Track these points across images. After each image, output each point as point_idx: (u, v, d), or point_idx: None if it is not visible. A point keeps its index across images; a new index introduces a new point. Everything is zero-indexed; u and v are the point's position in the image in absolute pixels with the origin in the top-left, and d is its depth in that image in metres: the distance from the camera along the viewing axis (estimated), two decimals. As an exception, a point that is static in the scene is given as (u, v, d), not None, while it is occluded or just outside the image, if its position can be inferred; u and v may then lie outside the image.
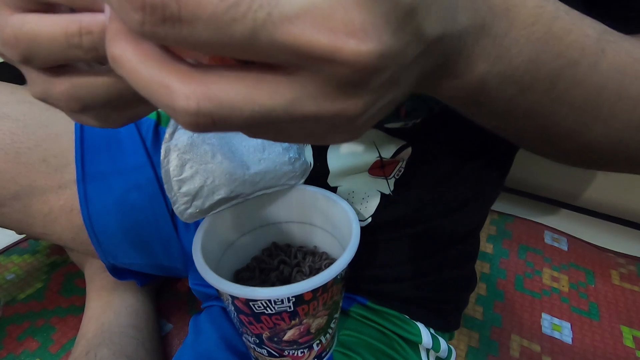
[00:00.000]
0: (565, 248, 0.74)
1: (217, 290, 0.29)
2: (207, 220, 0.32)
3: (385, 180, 0.35)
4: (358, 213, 0.37)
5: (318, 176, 0.36)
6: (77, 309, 0.58)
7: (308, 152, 0.36)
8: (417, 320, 0.42)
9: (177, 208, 0.29)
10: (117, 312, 0.49)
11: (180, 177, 0.27)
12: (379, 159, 0.34)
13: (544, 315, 0.63)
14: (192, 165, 0.28)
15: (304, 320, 0.29)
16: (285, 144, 0.34)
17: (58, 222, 0.43)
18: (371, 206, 0.36)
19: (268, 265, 0.36)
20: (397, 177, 0.35)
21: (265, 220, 0.38)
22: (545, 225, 0.78)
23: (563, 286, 0.67)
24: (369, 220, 0.37)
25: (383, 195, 0.36)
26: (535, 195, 0.80)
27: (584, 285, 0.68)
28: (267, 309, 0.27)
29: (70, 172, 0.42)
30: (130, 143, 0.47)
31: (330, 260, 0.35)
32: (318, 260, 0.36)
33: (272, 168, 0.32)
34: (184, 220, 0.30)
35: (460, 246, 0.43)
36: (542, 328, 0.61)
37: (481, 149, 0.36)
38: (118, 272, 0.48)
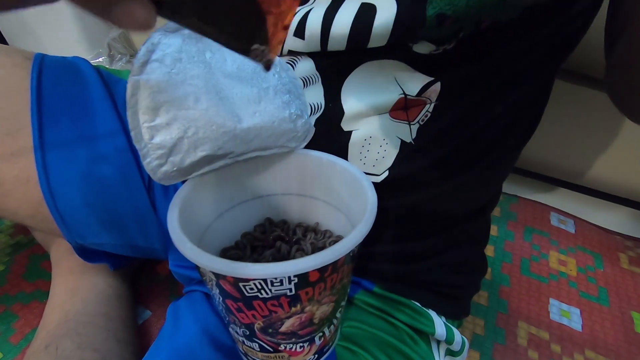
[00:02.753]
0: (572, 230, 0.71)
1: (198, 270, 0.23)
2: (188, 185, 0.26)
3: (407, 126, 0.30)
4: (373, 166, 0.32)
5: (330, 119, 0.31)
6: (43, 294, 0.52)
7: (319, 91, 0.31)
8: (428, 308, 0.37)
9: (149, 164, 0.22)
10: (86, 299, 0.43)
11: (152, 124, 0.21)
12: (402, 96, 0.29)
13: (552, 301, 0.59)
14: (168, 110, 0.21)
15: (307, 308, 0.23)
16: (286, 97, 0.28)
17: (12, 196, 0.38)
18: (389, 156, 0.31)
19: (261, 242, 0.30)
20: (421, 123, 0.30)
21: (258, 191, 0.32)
22: (551, 207, 0.74)
23: (571, 270, 0.64)
24: (385, 174, 0.32)
25: (403, 144, 0.31)
26: (539, 175, 0.76)
27: (592, 269, 0.64)
28: (262, 291, 0.21)
29: (26, 138, 0.37)
30: (100, 105, 0.42)
31: (336, 239, 0.30)
32: (321, 238, 0.30)
33: (269, 124, 0.26)
34: (156, 180, 0.24)
35: (474, 223, 0.39)
36: (550, 314, 0.58)
37: (513, 87, 0.31)
38: (87, 253, 0.43)
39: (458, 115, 0.30)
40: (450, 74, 0.28)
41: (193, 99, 0.22)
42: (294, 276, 0.20)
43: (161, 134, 0.21)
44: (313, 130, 0.31)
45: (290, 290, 0.21)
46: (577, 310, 0.58)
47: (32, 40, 0.88)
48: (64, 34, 0.91)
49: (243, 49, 0.16)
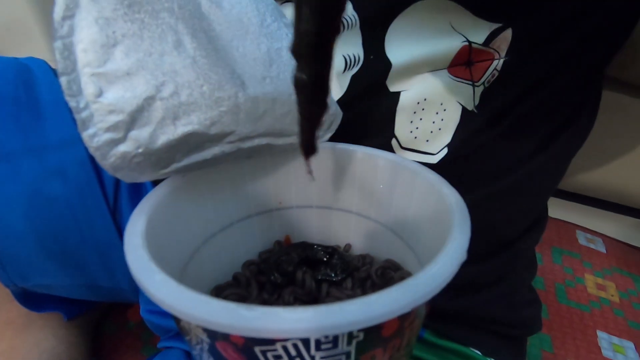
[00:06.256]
0: (603, 250, 0.64)
1: (178, 324, 0.14)
2: (162, 187, 0.17)
3: (471, 87, 0.24)
4: (427, 141, 0.25)
5: (372, 76, 0.25)
6: (-24, 356, 0.41)
7: (356, 38, 0.25)
8: (489, 356, 0.29)
9: (93, 137, 0.13)
10: (25, 362, 0.33)
11: (101, 69, 0.12)
12: (466, 44, 0.23)
13: (600, 334, 0.51)
14: (129, 50, 0.12)
15: (368, 381, 0.14)
16: None
17: None
18: (447, 128, 0.25)
19: (275, 275, 0.21)
20: (486, 85, 0.24)
21: (266, 203, 0.23)
22: (575, 224, 0.67)
23: (612, 295, 0.56)
24: (443, 153, 0.25)
25: (465, 113, 0.25)
26: (558, 190, 0.69)
27: (635, 293, 0.57)
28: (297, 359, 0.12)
29: None
30: (53, 110, 0.34)
31: (386, 265, 0.21)
32: (360, 265, 0.21)
33: (284, 96, 0.18)
34: (107, 169, 0.14)
35: (525, 244, 0.32)
36: (602, 350, 0.49)
37: (588, 48, 0.25)
38: (31, 299, 0.36)
39: (528, 79, 0.24)
40: (523, 14, 0.22)
41: (173, 41, 0.14)
42: (359, 330, 0.11)
43: (117, 88, 0.12)
44: (340, 115, 0.23)
45: (348, 355, 0.12)
46: (631, 345, 0.50)
47: None
48: (36, 55, 0.85)
49: None
